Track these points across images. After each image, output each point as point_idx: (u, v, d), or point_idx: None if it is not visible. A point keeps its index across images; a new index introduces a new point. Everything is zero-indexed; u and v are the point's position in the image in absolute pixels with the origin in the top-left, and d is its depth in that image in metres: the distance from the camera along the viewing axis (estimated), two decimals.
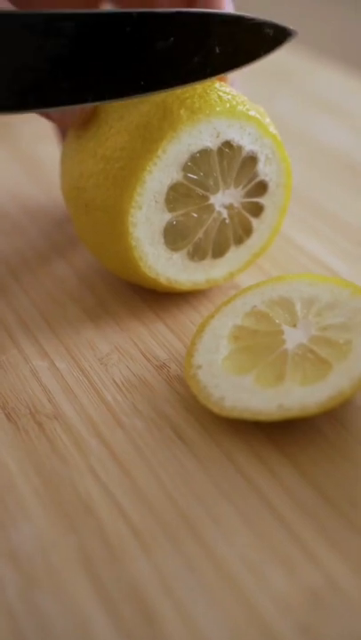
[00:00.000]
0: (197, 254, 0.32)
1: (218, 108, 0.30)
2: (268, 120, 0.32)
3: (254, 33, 0.29)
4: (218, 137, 0.30)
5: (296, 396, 0.26)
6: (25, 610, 0.22)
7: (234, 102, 0.30)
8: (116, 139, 0.30)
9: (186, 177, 0.30)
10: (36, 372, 0.30)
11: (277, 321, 0.29)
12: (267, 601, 0.22)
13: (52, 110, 0.28)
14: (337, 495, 0.25)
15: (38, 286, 0.35)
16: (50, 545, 0.24)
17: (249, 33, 0.29)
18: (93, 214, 0.31)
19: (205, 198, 0.31)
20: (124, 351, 0.31)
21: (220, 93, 0.30)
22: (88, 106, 0.30)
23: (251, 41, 0.29)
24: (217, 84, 0.31)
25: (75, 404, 0.29)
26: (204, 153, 0.30)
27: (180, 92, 0.30)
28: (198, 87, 0.30)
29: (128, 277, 0.33)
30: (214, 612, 0.22)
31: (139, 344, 0.32)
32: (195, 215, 0.31)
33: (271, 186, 0.32)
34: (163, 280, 0.32)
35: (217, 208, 0.31)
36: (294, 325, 0.29)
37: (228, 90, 0.31)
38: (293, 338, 0.28)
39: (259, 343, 0.29)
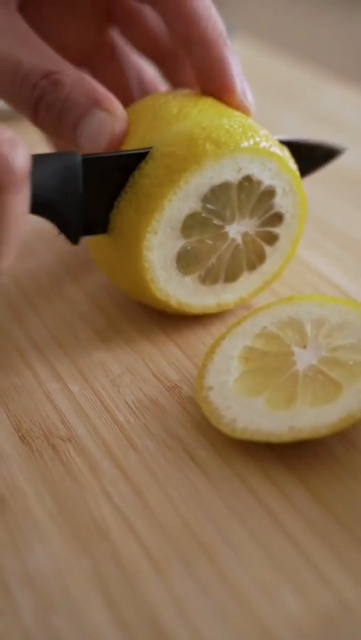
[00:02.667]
0: (209, 278, 0.32)
1: (243, 144, 0.30)
2: (287, 153, 0.32)
3: (310, 154, 0.36)
4: (239, 172, 0.30)
5: (307, 417, 0.26)
6: (41, 632, 0.23)
7: (258, 138, 0.31)
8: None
9: (204, 207, 0.30)
10: (49, 394, 0.31)
11: (288, 342, 0.30)
12: (279, 624, 0.22)
13: None
14: (348, 516, 0.25)
15: (50, 309, 0.36)
16: (65, 568, 0.24)
17: (305, 153, 0.36)
18: (109, 233, 0.31)
19: (221, 227, 0.31)
20: (135, 372, 0.32)
21: (246, 128, 0.31)
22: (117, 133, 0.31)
23: (306, 160, 0.36)
24: (243, 118, 0.31)
25: (88, 426, 0.29)
26: (225, 186, 0.30)
27: (207, 123, 0.30)
28: (225, 120, 0.30)
29: (139, 298, 0.33)
30: (228, 635, 0.22)
31: (150, 365, 0.32)
32: (209, 242, 0.31)
33: (287, 217, 0.33)
34: (173, 302, 0.32)
35: (231, 235, 0.32)
36: (304, 346, 0.29)
37: (253, 124, 0.31)
38: (304, 359, 0.29)
39: (269, 364, 0.29)
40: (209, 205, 0.30)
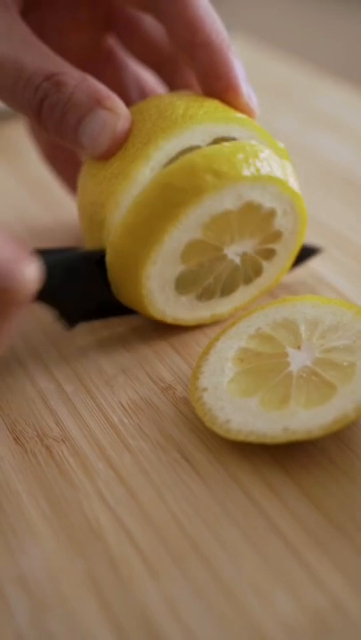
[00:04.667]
0: (205, 296, 0.32)
1: (244, 173, 0.29)
2: (289, 169, 0.32)
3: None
4: (239, 199, 0.30)
5: (301, 418, 0.26)
6: (35, 634, 0.23)
7: (259, 164, 0.30)
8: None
9: (204, 234, 0.30)
10: (43, 394, 0.31)
11: (282, 343, 0.30)
12: (273, 625, 0.22)
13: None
14: (342, 517, 0.25)
15: (45, 308, 0.35)
16: (58, 569, 0.24)
17: None
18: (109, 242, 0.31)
19: (220, 249, 0.31)
20: (130, 373, 0.32)
21: (248, 154, 0.30)
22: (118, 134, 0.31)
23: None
24: (242, 142, 0.31)
25: (82, 427, 0.29)
26: (225, 214, 0.30)
27: (207, 150, 0.30)
28: (225, 146, 0.30)
29: (133, 307, 0.33)
30: (221, 637, 0.22)
31: (145, 366, 0.32)
32: (207, 265, 0.31)
33: (285, 234, 0.33)
34: (169, 319, 0.32)
35: (230, 257, 0.32)
36: (298, 347, 0.29)
37: (255, 146, 0.31)
38: (297, 360, 0.29)
39: (263, 365, 0.29)
40: (209, 232, 0.30)
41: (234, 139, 0.31)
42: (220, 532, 0.25)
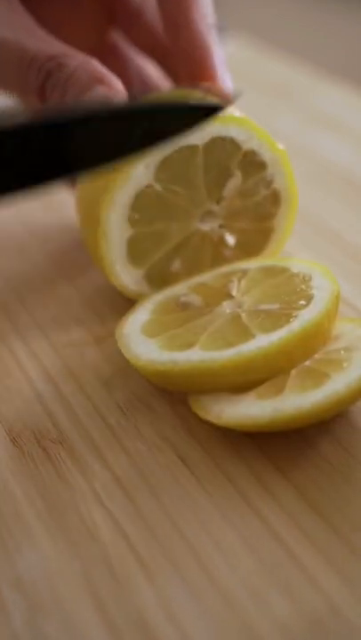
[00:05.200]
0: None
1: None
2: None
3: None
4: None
5: (292, 400, 0.26)
6: (31, 636, 0.23)
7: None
8: None
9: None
10: (40, 395, 0.31)
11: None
12: (269, 627, 0.22)
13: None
14: (339, 520, 0.25)
15: (43, 309, 0.36)
16: (55, 571, 0.24)
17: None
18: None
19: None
20: (127, 374, 0.32)
21: None
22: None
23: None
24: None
25: (79, 429, 0.29)
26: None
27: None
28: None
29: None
30: (217, 638, 0.22)
31: None
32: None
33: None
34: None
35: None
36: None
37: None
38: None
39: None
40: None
41: (232, 138, 0.31)
42: (217, 533, 0.25)
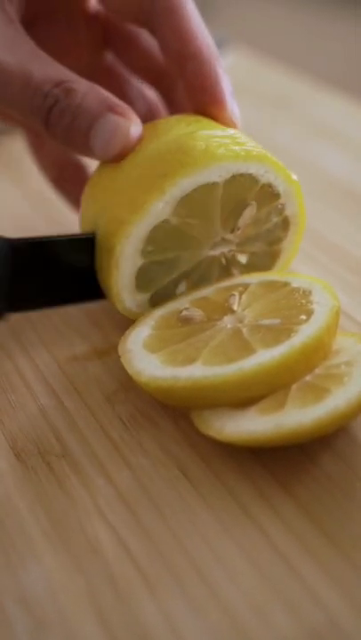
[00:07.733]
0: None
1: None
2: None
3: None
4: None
5: (293, 415, 0.26)
6: None
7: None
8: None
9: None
10: (44, 410, 0.31)
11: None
12: None
13: None
14: (340, 534, 0.25)
15: (47, 323, 0.36)
16: (58, 586, 0.24)
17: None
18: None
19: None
20: (130, 388, 0.32)
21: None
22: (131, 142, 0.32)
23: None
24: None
25: (82, 443, 0.29)
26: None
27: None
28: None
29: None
30: None
31: None
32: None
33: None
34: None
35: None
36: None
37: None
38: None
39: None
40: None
41: (250, 175, 0.32)
42: (219, 548, 0.25)
